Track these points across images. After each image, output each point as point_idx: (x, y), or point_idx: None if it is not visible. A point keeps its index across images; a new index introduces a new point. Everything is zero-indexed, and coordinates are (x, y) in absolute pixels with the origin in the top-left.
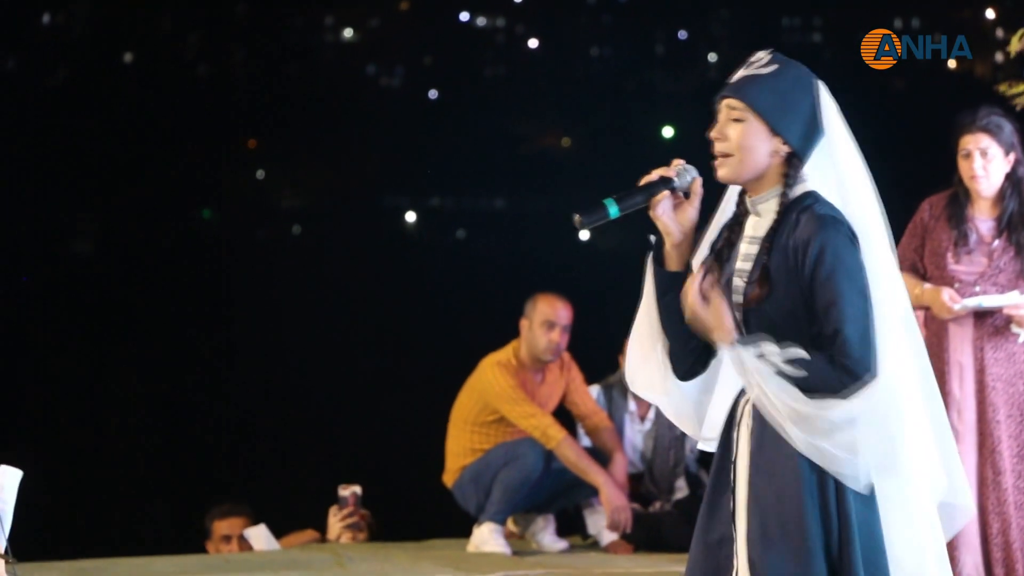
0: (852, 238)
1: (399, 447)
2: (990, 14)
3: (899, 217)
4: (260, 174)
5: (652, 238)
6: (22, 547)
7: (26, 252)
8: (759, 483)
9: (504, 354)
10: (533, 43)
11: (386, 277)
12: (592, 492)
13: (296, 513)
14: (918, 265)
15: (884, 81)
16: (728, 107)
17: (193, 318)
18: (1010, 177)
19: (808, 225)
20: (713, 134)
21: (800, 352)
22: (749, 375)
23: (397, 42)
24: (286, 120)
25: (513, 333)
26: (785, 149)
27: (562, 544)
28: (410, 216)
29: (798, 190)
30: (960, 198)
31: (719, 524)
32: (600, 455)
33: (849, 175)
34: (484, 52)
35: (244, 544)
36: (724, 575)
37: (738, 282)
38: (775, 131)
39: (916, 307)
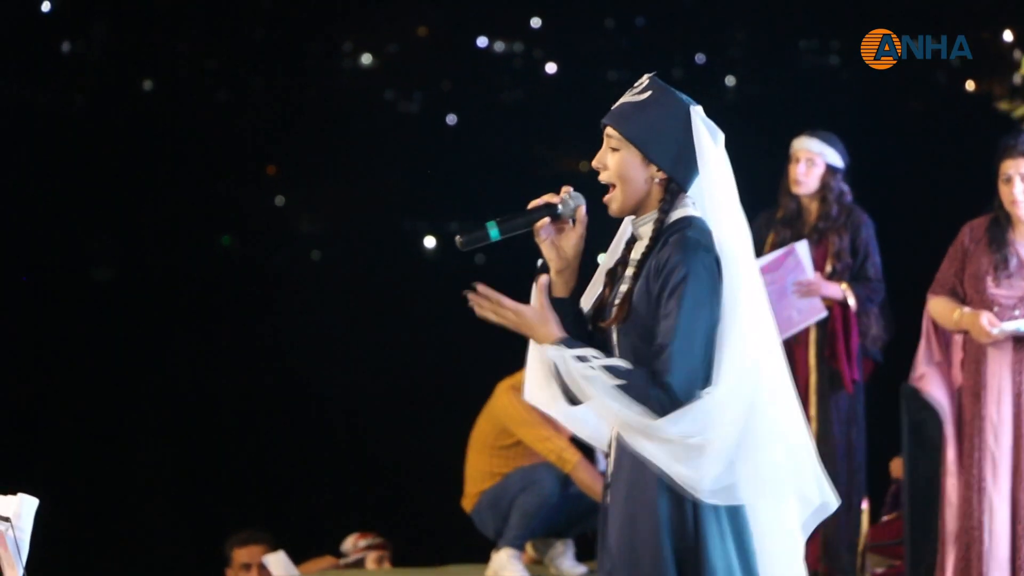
0: (712, 264)
1: (418, 472)
2: (1008, 36)
3: (914, 236)
4: (279, 200)
5: (540, 262)
6: (40, 575)
7: (46, 279)
8: (615, 507)
9: (519, 378)
10: (551, 68)
11: (405, 301)
12: None
13: (315, 539)
14: (958, 289)
15: (901, 103)
16: (607, 135)
17: (212, 344)
18: None
19: (672, 248)
20: (594, 163)
21: (620, 362)
22: (571, 377)
23: (415, 68)
24: (305, 146)
25: None
26: (661, 175)
27: (581, 569)
28: (429, 241)
29: (676, 215)
30: (1001, 222)
31: (603, 547)
32: None
33: (720, 200)
34: (502, 77)
35: (263, 572)
36: None
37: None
38: (648, 158)
39: (954, 331)
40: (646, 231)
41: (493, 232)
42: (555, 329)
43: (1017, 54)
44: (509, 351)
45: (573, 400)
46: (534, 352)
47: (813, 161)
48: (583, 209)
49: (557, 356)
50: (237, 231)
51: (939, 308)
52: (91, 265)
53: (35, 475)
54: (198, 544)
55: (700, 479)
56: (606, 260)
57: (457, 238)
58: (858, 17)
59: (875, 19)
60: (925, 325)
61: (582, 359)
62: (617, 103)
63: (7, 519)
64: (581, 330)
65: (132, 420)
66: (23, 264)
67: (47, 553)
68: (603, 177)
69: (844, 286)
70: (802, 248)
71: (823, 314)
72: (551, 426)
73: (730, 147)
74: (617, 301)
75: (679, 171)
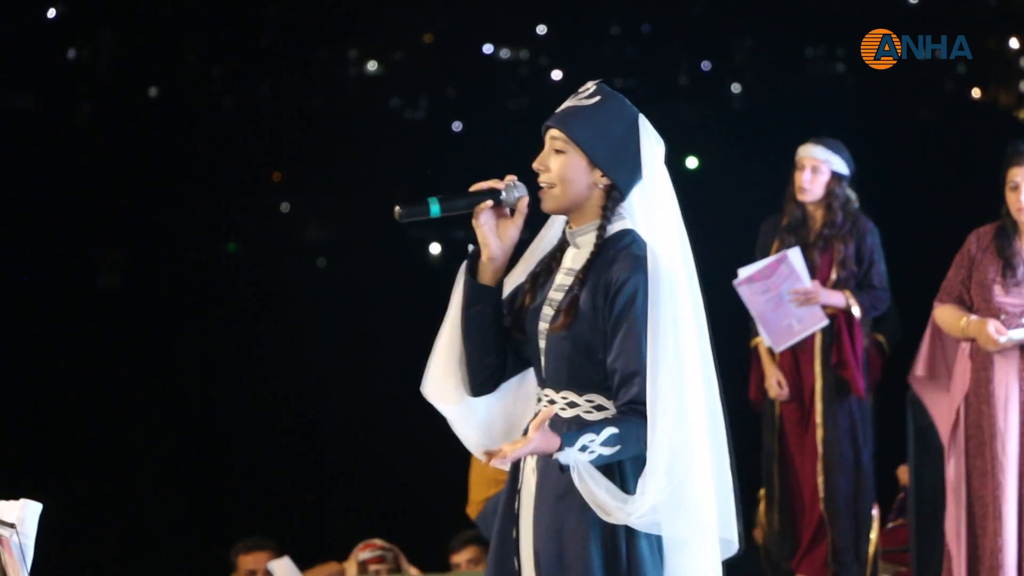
0: (670, 284)
1: (423, 478)
2: (1014, 43)
3: (920, 244)
4: (285, 207)
5: (471, 247)
6: None
7: (53, 286)
8: (541, 516)
9: None
10: (557, 75)
11: (411, 309)
12: None
13: (320, 546)
14: (964, 297)
15: (908, 111)
16: (551, 137)
17: (218, 351)
18: None
19: (624, 264)
20: (536, 164)
21: (612, 429)
22: (580, 474)
23: (421, 75)
24: (311, 153)
25: None
26: (604, 181)
27: None
28: (434, 248)
29: (616, 226)
30: (1007, 230)
31: (508, 557)
32: None
33: (668, 215)
34: (508, 84)
35: None
36: None
37: (547, 311)
38: (594, 163)
39: (961, 339)
40: (586, 241)
41: (434, 208)
42: (554, 438)
43: (1023, 62)
44: None
45: (475, 391)
46: (440, 346)
47: (818, 168)
48: (525, 201)
49: (567, 459)
50: (243, 238)
51: (946, 316)
52: (97, 272)
53: (40, 481)
54: (203, 551)
55: (631, 511)
56: (527, 261)
57: (396, 209)
58: (864, 24)
59: (880, 27)
60: (929, 333)
61: (584, 448)
62: (562, 107)
63: (11, 525)
64: (499, 323)
65: (138, 426)
66: (29, 271)
67: (52, 559)
68: (543, 179)
69: (847, 294)
70: (795, 255)
71: (824, 323)
72: None
73: (736, 154)
74: (556, 308)
75: (623, 178)
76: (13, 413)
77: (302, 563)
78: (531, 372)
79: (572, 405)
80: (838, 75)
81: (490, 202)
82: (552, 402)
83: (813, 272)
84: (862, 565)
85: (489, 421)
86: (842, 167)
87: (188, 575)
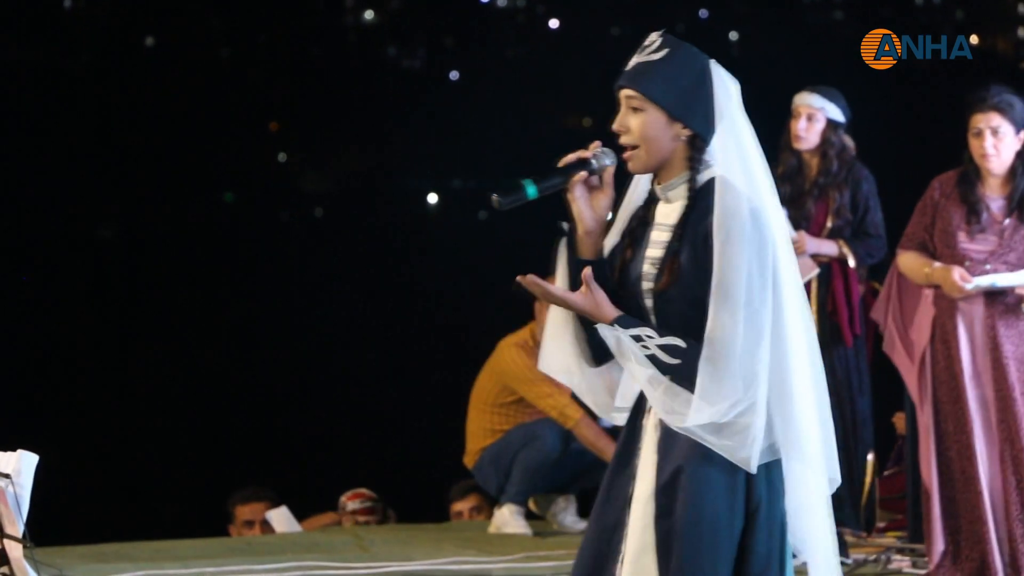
0: (760, 227)
1: (420, 429)
2: None
3: (917, 192)
4: (282, 157)
5: (565, 225)
6: (41, 532)
7: (49, 237)
8: (668, 471)
9: (521, 335)
10: (554, 23)
11: (408, 259)
12: None
13: (317, 496)
14: (928, 244)
15: (906, 58)
16: (626, 97)
17: (215, 302)
18: (1021, 156)
19: (718, 211)
20: (616, 127)
21: (678, 341)
22: (624, 357)
23: (418, 23)
24: (308, 103)
25: (532, 315)
26: (686, 133)
27: (583, 525)
28: (432, 198)
29: (706, 175)
30: (971, 177)
31: (614, 510)
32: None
33: (750, 155)
34: (505, 33)
35: (266, 528)
36: (611, 561)
37: (649, 269)
38: (674, 117)
39: (926, 286)
40: (678, 194)
41: (531, 190)
42: (609, 310)
43: (1021, 8)
44: (512, 308)
45: (596, 361)
46: (552, 324)
47: (814, 116)
48: (611, 169)
49: (611, 336)
50: (240, 188)
51: (909, 263)
52: (95, 222)
53: (37, 432)
54: (201, 502)
55: (751, 457)
56: (620, 219)
57: (493, 197)
58: None
59: None
60: (889, 279)
61: (638, 339)
62: (631, 64)
63: (7, 476)
64: (603, 290)
65: (134, 378)
66: (26, 222)
67: (48, 510)
68: (625, 140)
69: (840, 243)
70: None
71: (815, 272)
72: (553, 383)
73: None
74: (659, 267)
75: (704, 127)
76: (11, 364)
77: (299, 513)
78: None
79: None
80: (836, 22)
81: (584, 173)
82: None
83: (808, 220)
84: (859, 513)
85: (612, 382)
86: (838, 115)
87: (185, 526)
